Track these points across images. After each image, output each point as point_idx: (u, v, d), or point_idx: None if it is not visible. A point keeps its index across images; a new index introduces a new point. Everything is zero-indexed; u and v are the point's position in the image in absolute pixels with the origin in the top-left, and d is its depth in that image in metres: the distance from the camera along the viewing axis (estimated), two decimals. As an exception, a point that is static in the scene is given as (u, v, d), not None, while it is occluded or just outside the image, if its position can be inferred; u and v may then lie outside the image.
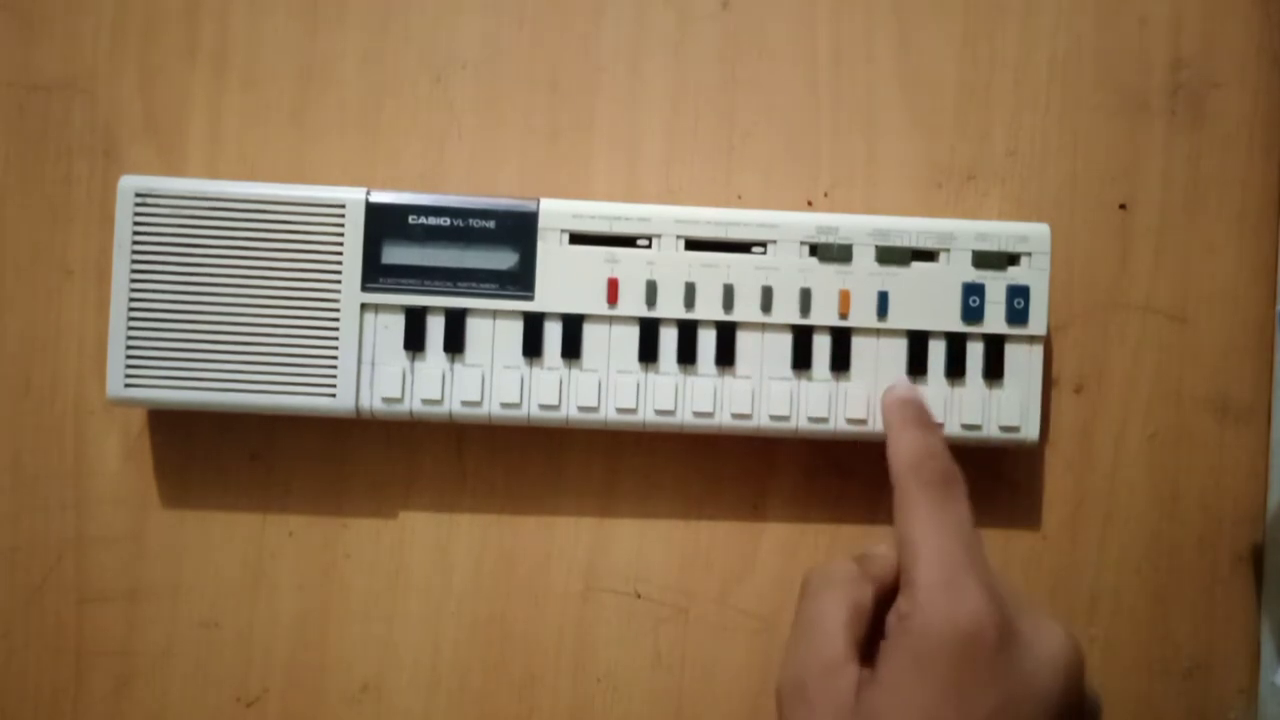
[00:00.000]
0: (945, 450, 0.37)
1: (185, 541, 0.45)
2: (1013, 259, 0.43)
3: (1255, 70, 0.46)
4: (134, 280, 0.42)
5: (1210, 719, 0.45)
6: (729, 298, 0.42)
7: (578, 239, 0.43)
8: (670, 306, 0.42)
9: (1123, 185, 0.46)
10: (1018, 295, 0.42)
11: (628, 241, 0.43)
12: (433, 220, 0.42)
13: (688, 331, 0.42)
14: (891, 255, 0.43)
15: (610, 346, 0.43)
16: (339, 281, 0.42)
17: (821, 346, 0.43)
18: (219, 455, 0.45)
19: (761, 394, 0.42)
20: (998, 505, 0.45)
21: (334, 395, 0.42)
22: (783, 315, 0.42)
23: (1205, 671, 0.45)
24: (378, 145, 0.46)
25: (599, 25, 0.46)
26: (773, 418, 0.42)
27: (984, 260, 0.43)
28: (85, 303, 0.45)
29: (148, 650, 0.45)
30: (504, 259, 0.42)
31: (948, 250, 0.43)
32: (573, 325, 0.42)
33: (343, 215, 0.42)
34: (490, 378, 0.42)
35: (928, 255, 0.43)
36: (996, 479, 0.46)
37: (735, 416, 0.42)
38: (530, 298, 0.42)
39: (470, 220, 0.42)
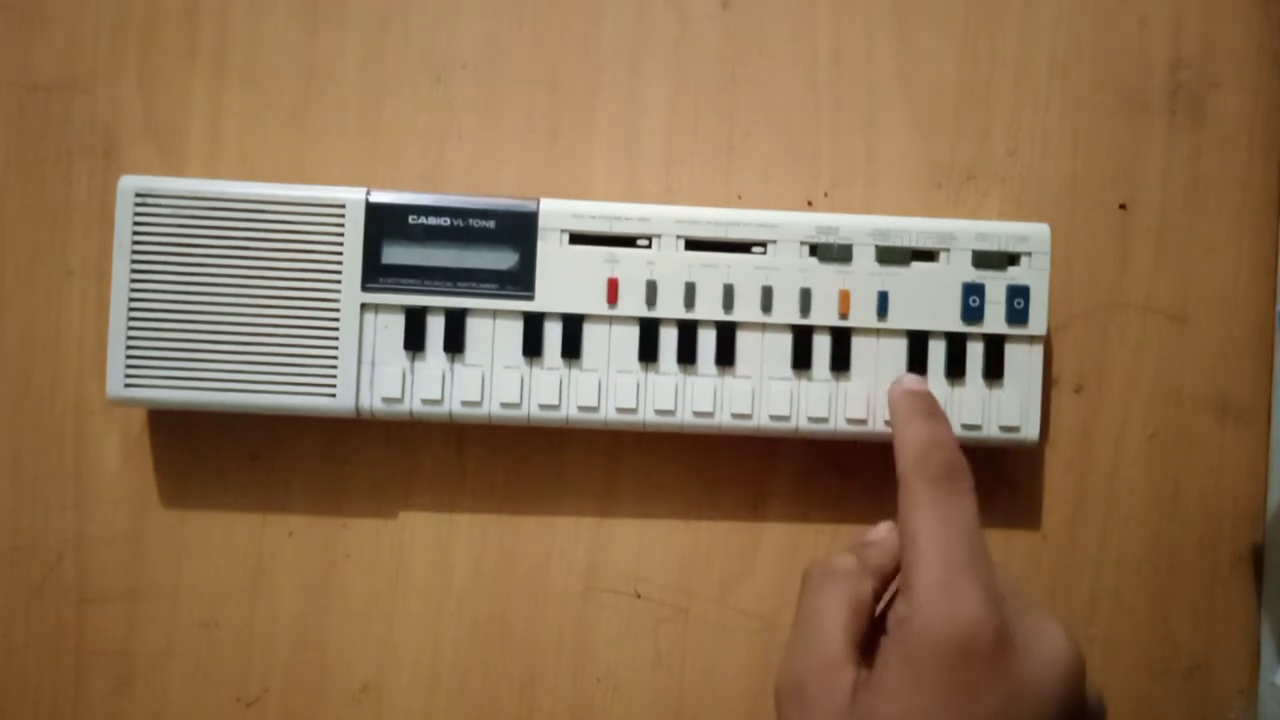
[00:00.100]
0: (952, 440, 0.36)
1: (185, 541, 0.45)
2: (1013, 259, 0.43)
3: (1255, 70, 0.46)
4: (134, 280, 0.42)
5: (1210, 719, 0.45)
6: (729, 298, 0.42)
7: (578, 239, 0.42)
8: (670, 306, 0.42)
9: (1123, 185, 0.46)
10: (1018, 295, 0.42)
11: (628, 241, 0.43)
12: (433, 220, 0.42)
13: (688, 331, 0.42)
14: (891, 255, 0.43)
15: (610, 346, 0.42)
16: (339, 281, 0.42)
17: (821, 346, 0.43)
18: (219, 455, 0.45)
19: (761, 394, 0.42)
20: (998, 505, 0.45)
21: (334, 395, 0.42)
22: (783, 315, 0.42)
23: (1205, 671, 0.45)
24: (378, 145, 0.46)
25: (599, 25, 0.46)
26: (773, 418, 0.42)
27: (984, 260, 0.43)
28: (85, 303, 0.45)
29: (148, 650, 0.45)
30: (504, 259, 0.42)
31: (948, 250, 0.43)
32: (573, 325, 0.42)
33: (343, 215, 0.42)
34: (490, 378, 0.42)
35: (928, 255, 0.43)
36: (996, 479, 0.45)
37: (735, 416, 0.42)
38: (530, 298, 0.42)
39: (470, 220, 0.42)
